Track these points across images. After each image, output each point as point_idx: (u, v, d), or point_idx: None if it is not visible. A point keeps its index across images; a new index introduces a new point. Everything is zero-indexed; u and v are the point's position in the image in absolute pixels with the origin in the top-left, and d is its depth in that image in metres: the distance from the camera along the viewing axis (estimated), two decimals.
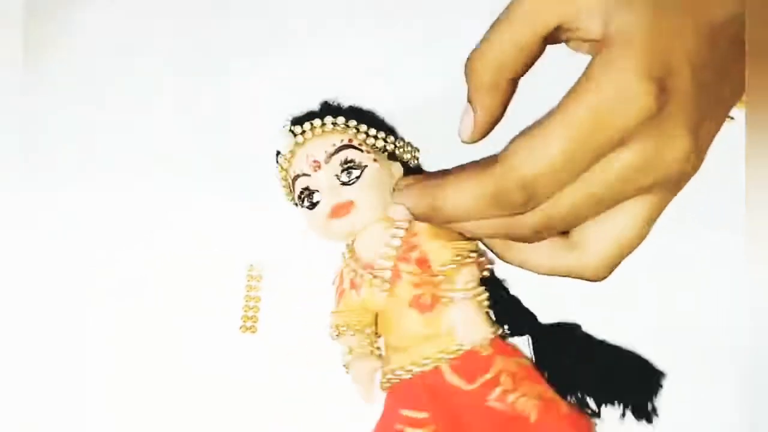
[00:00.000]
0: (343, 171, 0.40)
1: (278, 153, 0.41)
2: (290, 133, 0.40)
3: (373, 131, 0.41)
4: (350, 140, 0.41)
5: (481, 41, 0.36)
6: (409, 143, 0.42)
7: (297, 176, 0.40)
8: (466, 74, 0.37)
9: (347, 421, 0.44)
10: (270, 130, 0.42)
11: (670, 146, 0.34)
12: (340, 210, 0.40)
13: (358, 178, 0.40)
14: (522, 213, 0.35)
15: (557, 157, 0.33)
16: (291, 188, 0.41)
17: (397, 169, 0.41)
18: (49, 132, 0.48)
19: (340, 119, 0.40)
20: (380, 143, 0.41)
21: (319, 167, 0.40)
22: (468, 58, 0.36)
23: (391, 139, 0.41)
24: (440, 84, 0.43)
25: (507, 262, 0.39)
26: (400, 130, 0.42)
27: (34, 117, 0.47)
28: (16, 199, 0.46)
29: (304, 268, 0.46)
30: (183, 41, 0.48)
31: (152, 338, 0.45)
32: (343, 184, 0.40)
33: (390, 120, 0.42)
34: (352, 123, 0.41)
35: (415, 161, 0.42)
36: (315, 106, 0.41)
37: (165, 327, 0.45)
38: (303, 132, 0.40)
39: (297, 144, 0.40)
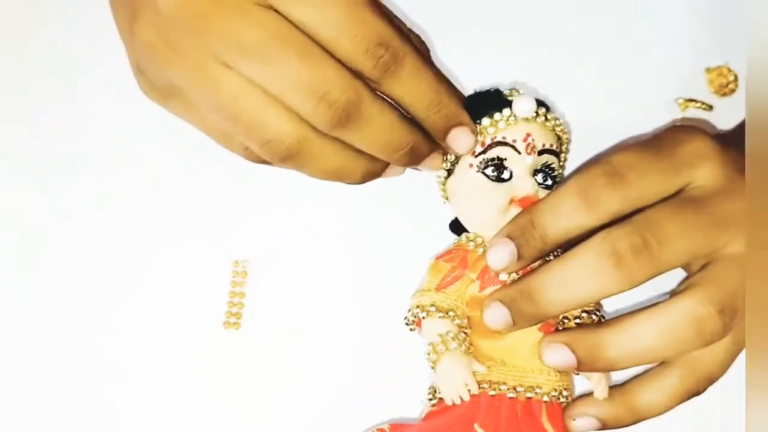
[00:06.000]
0: (541, 172, 0.40)
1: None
2: (524, 102, 0.40)
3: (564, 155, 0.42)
4: (559, 150, 0.41)
5: None
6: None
7: (499, 143, 0.40)
8: None
9: (330, 418, 0.43)
10: None
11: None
12: (527, 203, 0.39)
13: (549, 187, 0.40)
14: None
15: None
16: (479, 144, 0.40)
17: None
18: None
19: (563, 128, 0.41)
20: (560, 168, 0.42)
21: (532, 152, 0.40)
22: None
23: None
24: None
25: None
26: None
27: None
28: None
29: (290, 264, 0.45)
30: None
31: (134, 333, 0.44)
32: (539, 184, 0.40)
33: None
34: (566, 138, 0.42)
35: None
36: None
37: (148, 322, 0.44)
38: (538, 114, 0.40)
39: (527, 118, 0.40)
